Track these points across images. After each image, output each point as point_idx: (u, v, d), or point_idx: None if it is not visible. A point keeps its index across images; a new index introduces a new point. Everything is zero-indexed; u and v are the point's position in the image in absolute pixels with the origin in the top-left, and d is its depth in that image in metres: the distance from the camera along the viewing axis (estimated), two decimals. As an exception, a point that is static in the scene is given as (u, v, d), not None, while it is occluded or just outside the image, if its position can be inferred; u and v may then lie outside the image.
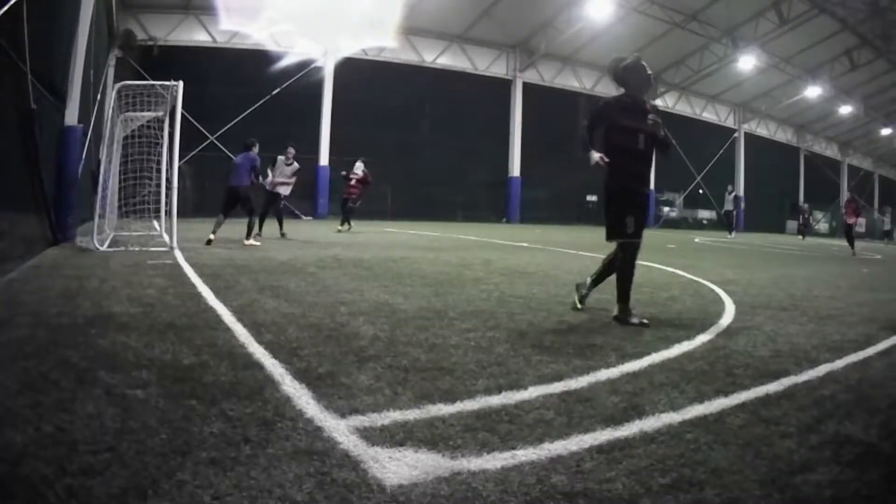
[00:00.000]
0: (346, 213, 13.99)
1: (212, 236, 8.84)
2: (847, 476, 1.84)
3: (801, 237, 25.27)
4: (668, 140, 4.48)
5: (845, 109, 30.79)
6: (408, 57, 23.54)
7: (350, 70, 21.87)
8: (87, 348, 2.89)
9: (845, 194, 22.03)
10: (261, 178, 9.92)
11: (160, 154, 8.79)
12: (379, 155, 19.60)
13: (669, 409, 2.37)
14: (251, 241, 9.16)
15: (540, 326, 3.84)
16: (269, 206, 11.24)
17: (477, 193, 26.09)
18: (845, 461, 1.95)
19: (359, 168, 14.00)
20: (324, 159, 21.62)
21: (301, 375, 2.62)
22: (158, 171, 8.85)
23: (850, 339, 3.86)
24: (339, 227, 13.82)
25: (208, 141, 20.07)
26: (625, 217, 4.23)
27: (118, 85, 8.89)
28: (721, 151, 32.48)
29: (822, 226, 36.15)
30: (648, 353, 3.23)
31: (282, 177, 11.20)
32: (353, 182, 13.92)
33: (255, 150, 9.58)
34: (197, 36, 20.36)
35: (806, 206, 29.24)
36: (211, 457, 1.79)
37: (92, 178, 10.72)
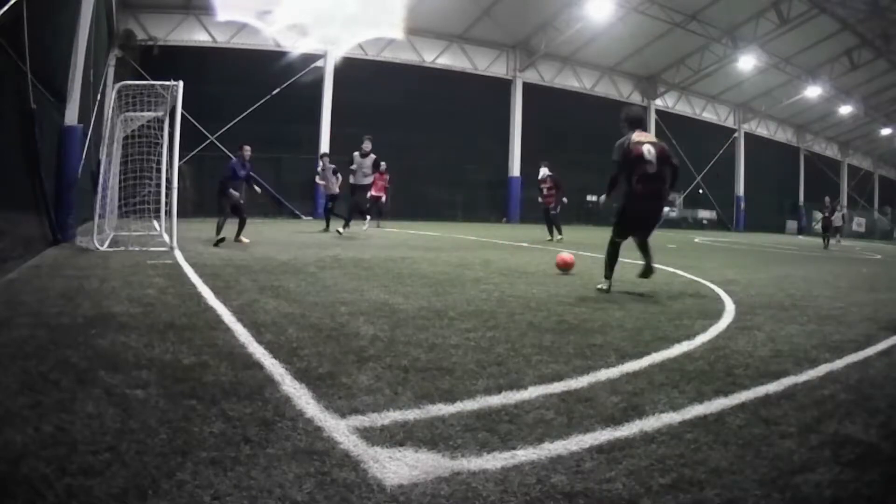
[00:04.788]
0: (552, 222, 13.30)
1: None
2: (847, 476, 1.84)
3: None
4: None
5: (845, 109, 30.82)
6: (408, 57, 23.55)
7: (350, 70, 21.87)
8: (87, 348, 2.89)
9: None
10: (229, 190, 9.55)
11: (160, 154, 8.77)
12: (379, 155, 19.56)
13: (669, 409, 2.37)
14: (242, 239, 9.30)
15: (540, 326, 3.84)
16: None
17: (477, 193, 26.06)
18: (845, 461, 1.95)
19: (543, 173, 13.60)
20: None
21: (301, 375, 2.62)
22: (158, 171, 8.84)
23: (850, 339, 3.85)
24: (550, 237, 13.20)
25: (208, 141, 20.08)
26: None
27: (118, 85, 8.88)
28: (721, 151, 32.50)
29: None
30: (648, 353, 3.23)
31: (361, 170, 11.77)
32: (545, 191, 13.42)
33: (246, 153, 9.60)
34: (197, 36, 20.38)
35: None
36: (211, 457, 1.79)
37: (92, 178, 10.71)
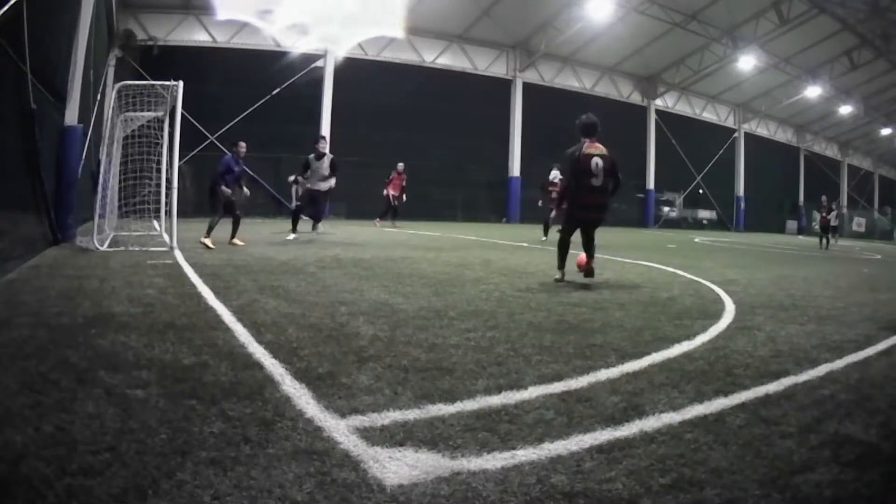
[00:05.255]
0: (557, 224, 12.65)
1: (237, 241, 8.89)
2: (847, 476, 1.84)
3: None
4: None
5: (845, 109, 30.79)
6: (408, 57, 23.53)
7: (350, 70, 21.86)
8: (87, 348, 2.89)
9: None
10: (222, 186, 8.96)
11: (160, 154, 8.77)
12: (379, 155, 19.61)
13: (669, 409, 2.37)
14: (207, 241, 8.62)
15: (540, 326, 3.84)
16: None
17: (477, 193, 26.05)
18: (845, 461, 1.95)
19: (555, 176, 13.03)
20: (324, 159, 21.61)
21: (301, 375, 2.62)
22: (158, 171, 8.84)
23: (850, 339, 3.86)
24: (546, 237, 12.72)
25: (208, 141, 20.07)
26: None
27: (118, 85, 8.88)
28: (721, 151, 32.48)
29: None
30: (648, 353, 3.23)
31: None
32: (553, 193, 12.61)
33: (241, 150, 9.09)
34: (197, 36, 20.36)
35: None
36: (211, 457, 1.79)
37: (92, 178, 10.70)
